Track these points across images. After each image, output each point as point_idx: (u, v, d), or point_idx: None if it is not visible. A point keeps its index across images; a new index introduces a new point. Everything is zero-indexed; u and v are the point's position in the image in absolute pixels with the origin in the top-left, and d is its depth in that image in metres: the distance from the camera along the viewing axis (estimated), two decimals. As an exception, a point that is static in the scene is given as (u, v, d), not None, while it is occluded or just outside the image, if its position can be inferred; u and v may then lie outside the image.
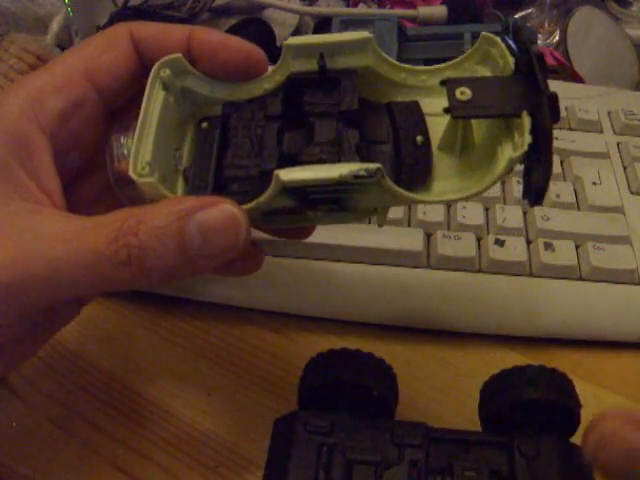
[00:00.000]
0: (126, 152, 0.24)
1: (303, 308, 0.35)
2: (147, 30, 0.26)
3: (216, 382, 0.33)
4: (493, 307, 0.34)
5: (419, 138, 0.25)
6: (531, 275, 0.35)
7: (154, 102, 0.24)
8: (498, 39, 0.25)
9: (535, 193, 0.24)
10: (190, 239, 0.21)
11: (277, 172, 0.22)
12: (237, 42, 0.26)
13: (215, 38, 0.26)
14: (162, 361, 0.34)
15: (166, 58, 0.25)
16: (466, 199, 0.25)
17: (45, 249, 0.21)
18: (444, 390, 0.33)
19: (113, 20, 0.49)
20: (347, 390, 0.26)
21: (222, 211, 0.22)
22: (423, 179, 0.25)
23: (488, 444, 0.26)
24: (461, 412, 0.32)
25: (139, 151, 0.23)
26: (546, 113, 0.22)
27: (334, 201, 0.24)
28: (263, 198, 0.23)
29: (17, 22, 0.47)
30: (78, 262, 0.21)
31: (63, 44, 0.48)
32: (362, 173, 0.21)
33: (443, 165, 0.26)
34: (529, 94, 0.23)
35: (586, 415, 0.32)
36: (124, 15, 0.49)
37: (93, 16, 0.52)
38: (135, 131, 0.24)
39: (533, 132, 0.22)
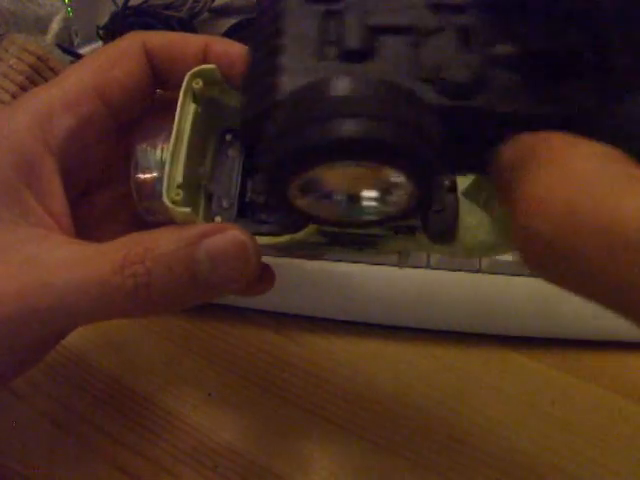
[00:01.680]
0: (152, 164, 0.24)
1: (303, 308, 0.35)
2: (161, 40, 0.25)
3: (216, 382, 0.33)
4: (493, 307, 0.34)
5: (447, 183, 0.23)
6: (531, 275, 0.35)
7: (186, 117, 0.23)
8: None
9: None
10: (199, 266, 0.21)
11: None
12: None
13: (234, 50, 0.25)
14: (162, 361, 0.34)
15: (199, 68, 0.23)
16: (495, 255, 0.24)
17: (51, 278, 0.21)
18: (444, 390, 0.33)
19: (113, 20, 0.49)
20: None
21: (230, 238, 0.21)
22: (451, 226, 0.23)
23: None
24: (462, 412, 0.32)
25: (172, 174, 0.22)
26: None
27: (364, 242, 0.24)
28: (299, 236, 0.22)
29: (17, 22, 0.47)
30: (84, 291, 0.21)
31: (63, 44, 0.48)
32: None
33: (467, 213, 0.24)
34: None
35: (583, 414, 0.32)
36: (124, 15, 0.49)
37: (93, 16, 0.52)
38: (168, 150, 0.22)
39: None
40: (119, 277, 0.21)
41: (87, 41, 0.52)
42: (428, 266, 0.35)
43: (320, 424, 0.31)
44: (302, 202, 0.19)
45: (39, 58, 0.44)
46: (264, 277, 0.26)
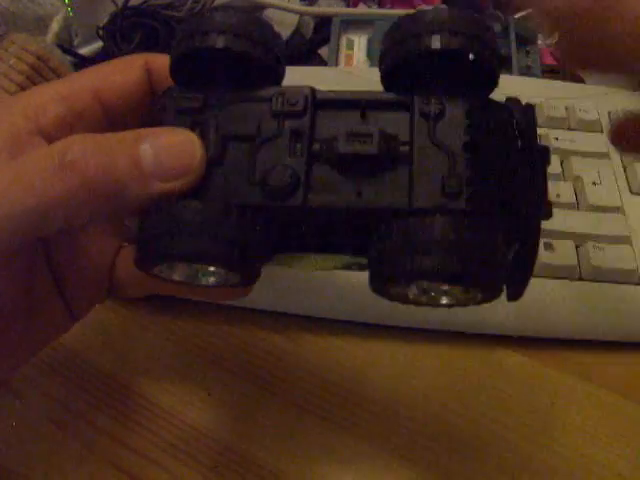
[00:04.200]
0: None
1: (303, 308, 0.35)
2: (162, 61, 0.26)
3: (216, 382, 0.33)
4: (493, 307, 0.34)
5: None
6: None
7: None
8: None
9: (516, 290, 0.24)
10: (143, 154, 0.21)
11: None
12: None
13: None
14: (162, 361, 0.34)
15: None
16: None
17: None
18: (444, 390, 0.33)
19: (113, 20, 0.49)
20: (225, 59, 0.23)
21: (177, 133, 0.22)
22: None
23: (386, 106, 0.22)
24: (462, 412, 0.32)
25: None
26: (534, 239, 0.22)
27: None
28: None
29: (17, 22, 0.47)
30: (19, 180, 0.21)
31: (63, 44, 0.48)
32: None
33: None
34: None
35: (583, 414, 0.32)
36: (124, 15, 0.49)
37: (93, 16, 0.52)
38: None
39: (522, 233, 0.22)
40: (53, 157, 0.21)
41: (87, 41, 0.52)
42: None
43: (320, 424, 0.31)
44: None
45: (39, 58, 0.43)
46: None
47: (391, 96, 0.22)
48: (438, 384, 0.33)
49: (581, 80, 0.50)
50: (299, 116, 0.22)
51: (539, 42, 0.54)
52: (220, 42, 0.22)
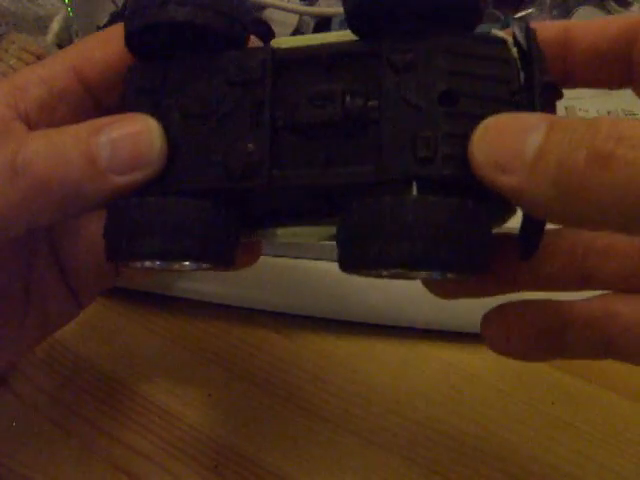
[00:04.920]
0: None
1: (303, 308, 0.35)
2: None
3: (216, 382, 0.33)
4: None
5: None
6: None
7: None
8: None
9: (529, 248, 0.21)
10: (97, 149, 0.20)
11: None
12: None
13: None
14: (162, 361, 0.34)
15: None
16: None
17: None
18: (444, 390, 0.33)
19: (113, 20, 0.49)
20: (186, 32, 0.21)
21: (134, 120, 0.21)
22: None
23: (354, 57, 0.19)
24: (462, 412, 0.32)
25: None
26: None
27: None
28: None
29: (17, 22, 0.47)
30: None
31: (63, 44, 0.48)
32: None
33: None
34: None
35: (583, 414, 0.32)
36: (124, 15, 0.49)
37: (93, 16, 0.52)
38: None
39: None
40: (4, 160, 0.20)
41: (87, 41, 0.52)
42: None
43: (320, 424, 0.31)
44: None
45: (39, 58, 0.44)
46: (249, 249, 0.25)
47: (358, 45, 0.20)
48: (438, 384, 0.33)
49: (581, 80, 0.50)
50: (258, 83, 0.20)
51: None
52: (180, 15, 0.20)
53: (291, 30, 0.54)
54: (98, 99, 0.25)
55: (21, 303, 0.25)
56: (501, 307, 0.22)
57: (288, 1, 0.54)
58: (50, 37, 0.47)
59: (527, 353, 0.22)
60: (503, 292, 0.23)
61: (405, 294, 0.35)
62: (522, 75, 0.19)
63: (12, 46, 0.44)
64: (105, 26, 0.50)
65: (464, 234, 0.18)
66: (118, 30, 0.25)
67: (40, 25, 0.48)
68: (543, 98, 0.18)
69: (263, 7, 0.54)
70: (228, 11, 0.21)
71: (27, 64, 0.43)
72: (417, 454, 0.30)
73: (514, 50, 0.19)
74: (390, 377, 0.33)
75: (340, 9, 0.55)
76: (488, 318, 0.22)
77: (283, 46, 0.21)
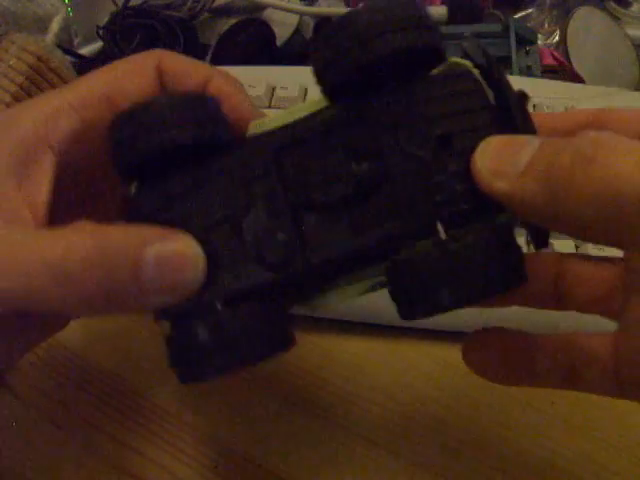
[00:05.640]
0: None
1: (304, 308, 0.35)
2: (174, 63, 0.25)
3: (216, 382, 0.33)
4: (493, 307, 0.34)
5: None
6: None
7: None
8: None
9: (541, 238, 0.23)
10: (144, 267, 0.19)
11: None
12: (239, 102, 0.25)
13: (229, 88, 0.25)
14: (162, 361, 0.34)
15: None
16: None
17: None
18: (444, 390, 0.33)
19: (113, 20, 0.49)
20: (175, 150, 0.21)
21: (178, 239, 0.20)
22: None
23: (343, 126, 0.21)
24: (462, 412, 0.32)
25: None
26: None
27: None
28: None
29: (17, 22, 0.47)
30: (16, 269, 0.20)
31: (63, 44, 0.48)
32: None
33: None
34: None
35: (583, 414, 0.32)
36: (124, 15, 0.49)
37: (93, 16, 0.52)
38: None
39: None
40: (54, 260, 0.19)
41: (87, 41, 0.52)
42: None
43: (319, 424, 0.31)
44: None
45: (39, 58, 0.43)
46: None
47: (342, 111, 0.21)
48: (438, 384, 0.33)
49: (581, 80, 0.50)
50: (265, 176, 0.21)
51: (539, 42, 0.54)
52: (166, 139, 0.20)
53: (291, 30, 0.54)
54: None
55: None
56: (478, 333, 0.25)
57: (288, 1, 0.54)
58: (50, 37, 0.47)
59: (501, 378, 0.24)
60: (500, 305, 0.26)
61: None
62: (491, 93, 0.21)
63: (12, 46, 0.43)
64: (105, 26, 0.50)
65: (504, 257, 0.20)
66: (148, 58, 0.25)
67: (40, 25, 0.48)
68: (519, 111, 0.21)
69: (263, 7, 0.55)
70: (210, 118, 0.21)
71: (27, 64, 0.43)
72: (417, 454, 0.30)
73: (476, 72, 0.21)
74: (390, 377, 0.33)
75: (340, 9, 0.55)
76: (468, 345, 0.25)
77: (266, 128, 0.22)
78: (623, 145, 0.17)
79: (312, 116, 0.21)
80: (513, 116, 0.20)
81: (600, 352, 0.22)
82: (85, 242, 0.20)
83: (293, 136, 0.21)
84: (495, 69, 0.21)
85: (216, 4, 0.56)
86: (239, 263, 0.21)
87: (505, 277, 0.20)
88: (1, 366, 0.25)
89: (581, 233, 0.19)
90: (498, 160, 0.19)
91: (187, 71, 0.26)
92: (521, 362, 0.24)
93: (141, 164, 0.21)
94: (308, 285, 0.23)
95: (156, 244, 0.20)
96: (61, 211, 0.24)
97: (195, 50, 0.51)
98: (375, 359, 0.34)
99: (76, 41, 0.51)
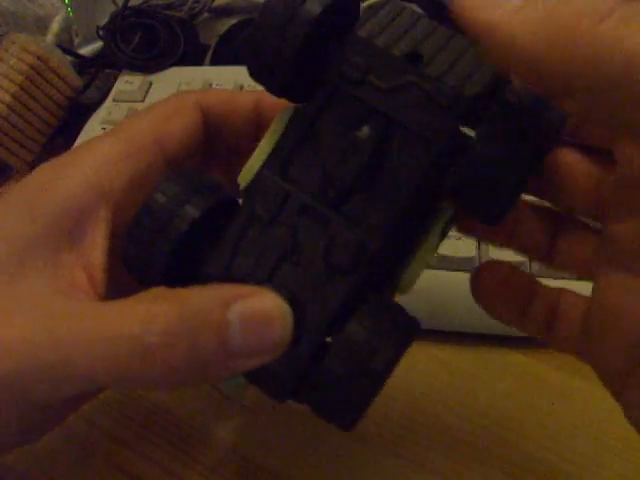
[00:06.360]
0: None
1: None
2: (214, 98, 0.25)
3: (215, 382, 0.33)
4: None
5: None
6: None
7: None
8: None
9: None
10: (230, 330, 0.18)
11: None
12: None
13: (280, 101, 0.24)
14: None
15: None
16: None
17: (56, 328, 0.18)
18: (444, 390, 0.33)
19: (113, 20, 0.49)
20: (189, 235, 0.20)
21: (263, 297, 0.19)
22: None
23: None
24: (462, 412, 0.32)
25: None
26: None
27: None
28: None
29: (17, 22, 0.47)
30: (92, 347, 0.18)
31: (63, 44, 0.48)
32: None
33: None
34: None
35: (583, 414, 0.32)
36: (124, 15, 0.49)
37: (93, 16, 0.52)
38: None
39: None
40: (134, 334, 0.18)
41: (87, 41, 0.52)
42: (428, 266, 0.35)
43: (319, 424, 0.31)
44: None
45: (39, 58, 0.44)
46: None
47: (311, 103, 0.21)
48: (438, 384, 0.33)
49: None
50: (288, 200, 0.21)
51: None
52: (177, 235, 0.20)
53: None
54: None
55: None
56: (490, 262, 0.24)
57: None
58: (50, 37, 0.47)
59: (498, 310, 0.24)
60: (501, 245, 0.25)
61: (405, 294, 0.35)
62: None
63: (12, 46, 0.44)
64: (105, 26, 0.50)
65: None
66: (187, 97, 0.25)
67: (40, 25, 0.48)
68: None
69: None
70: (213, 193, 0.21)
71: (27, 64, 0.43)
72: (417, 454, 0.30)
73: None
74: (390, 377, 0.33)
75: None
76: (478, 271, 0.24)
77: (256, 164, 0.21)
78: None
79: (288, 125, 0.21)
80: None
81: (574, 311, 0.22)
82: (166, 312, 0.18)
83: (285, 150, 0.21)
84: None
85: (216, 4, 0.56)
86: (318, 288, 0.20)
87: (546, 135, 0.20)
88: (35, 438, 0.23)
89: (579, 95, 0.17)
90: None
91: (230, 103, 0.25)
92: (519, 300, 0.24)
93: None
94: (388, 268, 0.22)
95: (238, 302, 0.18)
96: (116, 267, 0.22)
97: (195, 50, 0.51)
98: (375, 359, 0.34)
99: (76, 41, 0.51)
